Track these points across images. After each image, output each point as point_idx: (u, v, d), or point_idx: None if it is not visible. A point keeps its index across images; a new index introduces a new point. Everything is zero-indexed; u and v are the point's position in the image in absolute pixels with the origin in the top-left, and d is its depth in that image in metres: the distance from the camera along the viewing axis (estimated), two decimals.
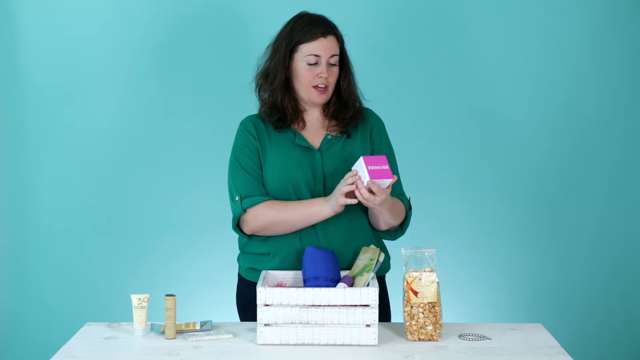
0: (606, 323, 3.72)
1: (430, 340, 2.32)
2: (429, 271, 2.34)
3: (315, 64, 2.54)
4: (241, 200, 2.55)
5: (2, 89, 3.58)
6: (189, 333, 2.37)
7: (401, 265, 2.37)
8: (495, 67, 3.62)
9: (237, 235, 2.65)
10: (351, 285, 2.36)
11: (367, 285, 2.33)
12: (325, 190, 2.56)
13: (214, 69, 3.59)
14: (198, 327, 2.40)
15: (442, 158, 3.66)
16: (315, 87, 2.55)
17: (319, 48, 2.53)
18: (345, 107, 2.62)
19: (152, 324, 2.43)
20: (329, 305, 2.27)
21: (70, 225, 3.63)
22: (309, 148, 2.59)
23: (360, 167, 2.37)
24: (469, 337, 2.36)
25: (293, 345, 2.28)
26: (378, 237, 2.66)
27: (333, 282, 2.38)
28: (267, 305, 2.28)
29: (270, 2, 3.52)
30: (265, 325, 2.28)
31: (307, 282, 2.38)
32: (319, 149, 2.59)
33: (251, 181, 2.57)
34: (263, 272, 2.45)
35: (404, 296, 2.34)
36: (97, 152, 3.61)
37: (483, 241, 3.70)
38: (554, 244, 3.71)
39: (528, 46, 3.61)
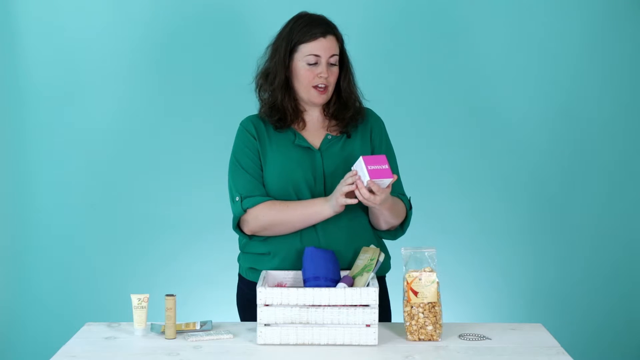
0: (606, 323, 3.72)
1: (430, 340, 2.32)
2: (429, 271, 2.34)
3: (315, 64, 2.54)
4: (241, 201, 2.55)
5: (2, 89, 3.58)
6: (189, 333, 2.37)
7: (401, 265, 2.37)
8: (495, 67, 3.62)
9: (237, 235, 2.65)
10: (351, 285, 2.36)
11: (367, 285, 2.33)
12: (325, 190, 2.56)
13: (214, 69, 3.59)
14: (198, 327, 2.40)
15: (442, 158, 3.66)
16: (315, 87, 2.55)
17: (318, 48, 2.53)
18: (345, 107, 2.62)
19: (152, 324, 2.43)
20: (329, 305, 2.27)
21: (70, 225, 3.63)
22: (309, 148, 2.59)
23: (360, 166, 2.37)
24: (469, 337, 2.36)
25: (293, 345, 2.28)
26: (378, 237, 2.66)
27: (333, 282, 2.38)
28: (267, 305, 2.28)
29: (270, 2, 3.52)
30: (265, 325, 2.28)
31: (307, 282, 2.39)
32: (319, 149, 2.59)
33: (251, 181, 2.57)
34: (263, 272, 2.45)
35: (404, 296, 2.34)
36: (97, 152, 3.61)
37: (483, 241, 3.70)
38: (554, 244, 3.71)
39: (528, 46, 3.61)
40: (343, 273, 2.48)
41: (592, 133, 3.67)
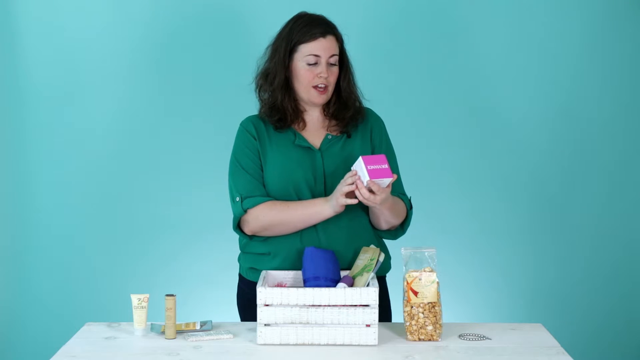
0: (606, 323, 3.72)
1: (430, 340, 2.32)
2: (429, 271, 2.34)
3: (315, 64, 2.54)
4: (242, 201, 2.55)
5: (2, 89, 3.58)
6: (189, 333, 2.37)
7: (401, 265, 2.37)
8: (495, 67, 3.62)
9: (237, 235, 2.65)
10: (351, 285, 2.36)
11: (367, 285, 2.33)
12: (325, 190, 2.56)
13: (214, 69, 3.59)
14: (198, 327, 2.40)
15: (442, 158, 3.66)
16: (315, 87, 2.55)
17: (318, 48, 2.53)
18: (345, 107, 2.62)
19: (152, 324, 2.43)
20: (329, 305, 2.27)
21: (70, 225, 3.63)
22: (309, 148, 2.59)
23: (360, 167, 2.37)
24: (469, 337, 2.36)
25: (293, 345, 2.28)
26: (379, 236, 2.66)
27: (333, 282, 2.38)
28: (267, 305, 2.28)
29: (270, 2, 3.52)
30: (265, 325, 2.28)
31: (307, 282, 2.39)
32: (320, 149, 2.60)
33: (252, 182, 2.57)
34: (263, 272, 2.45)
35: (404, 296, 2.34)
36: (98, 152, 3.61)
37: (483, 241, 3.70)
38: (554, 244, 3.71)
39: (528, 46, 3.61)
40: (343, 273, 2.48)
41: (592, 133, 3.67)
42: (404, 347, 2.28)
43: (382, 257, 2.42)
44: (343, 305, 2.27)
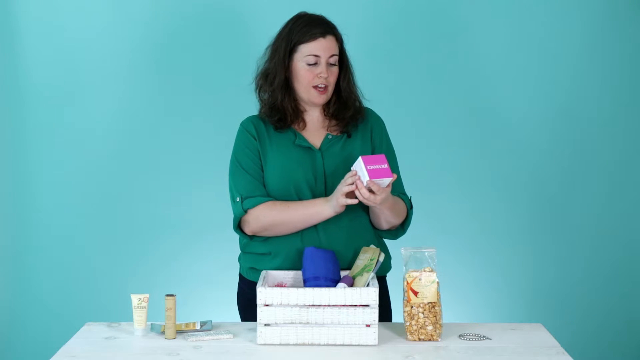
0: (606, 323, 3.72)
1: (430, 340, 2.32)
2: (429, 271, 2.34)
3: (315, 64, 2.54)
4: (242, 201, 2.55)
5: (2, 89, 3.58)
6: (189, 333, 2.37)
7: (401, 265, 2.37)
8: (495, 67, 3.62)
9: (237, 235, 2.65)
10: (351, 285, 2.36)
11: (367, 285, 2.33)
12: (326, 190, 2.56)
13: (214, 69, 3.59)
14: (198, 327, 2.40)
15: (442, 158, 3.66)
16: (315, 87, 2.56)
17: (318, 48, 2.53)
18: (345, 107, 2.62)
19: (152, 324, 2.43)
20: (329, 305, 2.27)
21: (70, 225, 3.63)
22: (309, 148, 2.59)
23: (359, 167, 2.37)
24: (469, 337, 2.36)
25: (293, 345, 2.28)
26: (379, 236, 2.66)
27: (333, 282, 2.38)
28: (267, 305, 2.28)
29: (270, 2, 3.51)
30: (265, 325, 2.28)
31: (307, 282, 2.39)
32: (320, 148, 2.60)
33: (252, 182, 2.57)
34: (263, 272, 2.45)
35: (404, 296, 2.34)
36: (98, 152, 3.61)
37: (483, 241, 3.70)
38: (554, 244, 3.71)
39: (528, 46, 3.61)
40: (343, 273, 2.48)
41: (592, 133, 3.67)
42: (404, 347, 2.28)
43: (382, 257, 2.42)
44: (343, 305, 2.27)
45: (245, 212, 2.54)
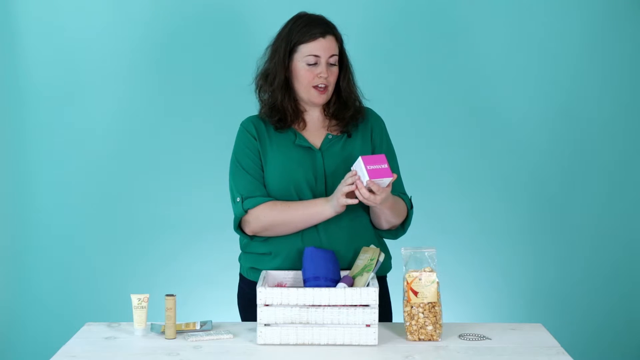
0: (606, 323, 3.72)
1: (430, 340, 2.32)
2: (429, 271, 2.34)
3: (315, 64, 2.54)
4: (242, 201, 2.55)
5: (2, 89, 3.58)
6: (189, 333, 2.37)
7: (401, 265, 2.37)
8: (495, 67, 3.62)
9: (237, 235, 2.65)
10: (351, 285, 2.36)
11: (367, 285, 2.33)
12: (326, 190, 2.56)
13: (214, 69, 3.59)
14: (198, 327, 2.40)
15: (442, 158, 3.66)
16: (315, 87, 2.56)
17: (318, 48, 2.53)
18: (345, 107, 2.62)
19: (152, 324, 2.43)
20: (329, 305, 2.27)
21: (70, 225, 3.63)
22: (309, 148, 2.59)
23: (359, 167, 2.37)
24: (469, 337, 2.36)
25: (293, 345, 2.28)
26: (379, 236, 2.66)
27: (333, 282, 2.38)
28: (267, 305, 2.28)
29: (270, 2, 3.52)
30: (265, 325, 2.28)
31: (307, 282, 2.39)
32: (320, 148, 2.60)
33: (252, 182, 2.57)
34: (263, 272, 2.45)
35: (404, 296, 2.34)
36: (98, 152, 3.61)
37: (483, 241, 3.70)
38: (554, 244, 3.71)
39: (528, 46, 3.61)
40: (343, 273, 2.48)
41: (592, 133, 3.67)
42: (404, 347, 2.28)
43: (382, 257, 2.42)
44: (343, 305, 2.27)
45: (246, 212, 2.54)
